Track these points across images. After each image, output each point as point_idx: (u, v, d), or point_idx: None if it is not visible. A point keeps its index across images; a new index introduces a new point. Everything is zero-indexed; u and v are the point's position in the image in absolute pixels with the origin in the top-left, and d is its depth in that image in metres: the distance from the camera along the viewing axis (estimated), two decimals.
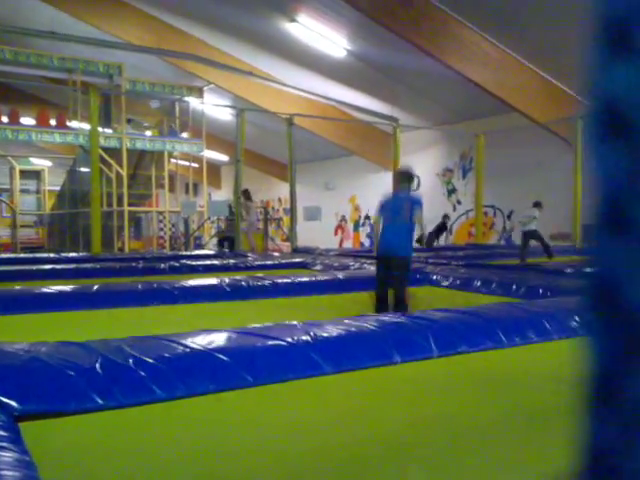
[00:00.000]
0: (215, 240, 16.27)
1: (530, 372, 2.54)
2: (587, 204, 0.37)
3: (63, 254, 8.75)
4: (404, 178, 5.03)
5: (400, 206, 4.74)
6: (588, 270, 0.33)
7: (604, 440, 0.34)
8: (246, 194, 11.13)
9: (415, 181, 5.01)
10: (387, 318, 2.96)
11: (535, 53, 10.87)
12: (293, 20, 11.85)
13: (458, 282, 5.46)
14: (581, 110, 11.78)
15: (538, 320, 3.08)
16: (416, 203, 4.87)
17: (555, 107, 11.67)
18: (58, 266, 6.43)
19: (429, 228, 11.00)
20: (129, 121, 15.57)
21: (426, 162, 16.43)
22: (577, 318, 3.17)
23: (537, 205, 9.46)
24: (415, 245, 5.87)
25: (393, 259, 4.64)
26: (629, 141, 0.35)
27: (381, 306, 4.43)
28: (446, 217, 13.40)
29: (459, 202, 15.62)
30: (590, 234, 0.34)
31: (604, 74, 0.38)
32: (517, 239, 13.53)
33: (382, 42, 11.44)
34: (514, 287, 4.88)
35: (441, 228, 12.81)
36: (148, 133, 16.13)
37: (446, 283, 5.56)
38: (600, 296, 0.31)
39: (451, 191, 15.87)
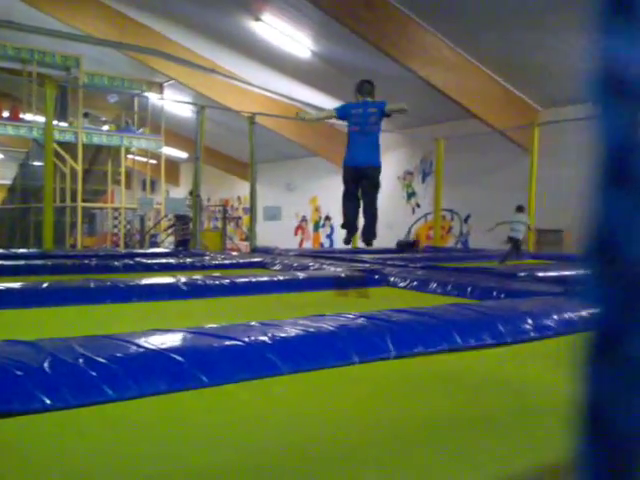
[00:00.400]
0: (172, 239, 16.07)
1: (483, 374, 2.56)
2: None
3: (12, 250, 8.49)
4: (369, 87, 5.05)
5: (369, 114, 4.72)
6: (589, 225, 0.34)
7: (601, 394, 0.35)
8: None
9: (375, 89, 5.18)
10: (345, 318, 2.95)
11: (494, 61, 11.07)
12: (258, 19, 11.79)
13: (415, 283, 5.50)
14: (537, 116, 12.06)
15: (492, 322, 3.12)
16: (382, 104, 4.90)
17: (513, 114, 11.92)
18: (7, 262, 6.25)
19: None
20: (86, 115, 15.24)
21: (387, 165, 16.54)
22: (529, 320, 3.23)
23: (521, 209, 9.63)
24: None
25: (369, 169, 4.63)
26: (628, 100, 0.36)
27: (351, 230, 4.65)
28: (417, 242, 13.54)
29: (418, 205, 15.79)
30: (591, 186, 0.35)
31: (606, 39, 0.38)
32: (473, 243, 13.75)
33: (346, 44, 11.48)
34: (469, 289, 4.95)
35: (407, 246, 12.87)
36: (105, 128, 15.83)
37: (404, 284, 5.60)
38: (600, 248, 0.32)
39: (411, 194, 16.04)
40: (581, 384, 0.37)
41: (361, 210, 4.74)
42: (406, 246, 12.35)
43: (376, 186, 4.71)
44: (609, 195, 0.33)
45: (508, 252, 9.00)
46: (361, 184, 4.58)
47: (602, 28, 0.38)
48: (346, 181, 4.76)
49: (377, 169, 4.72)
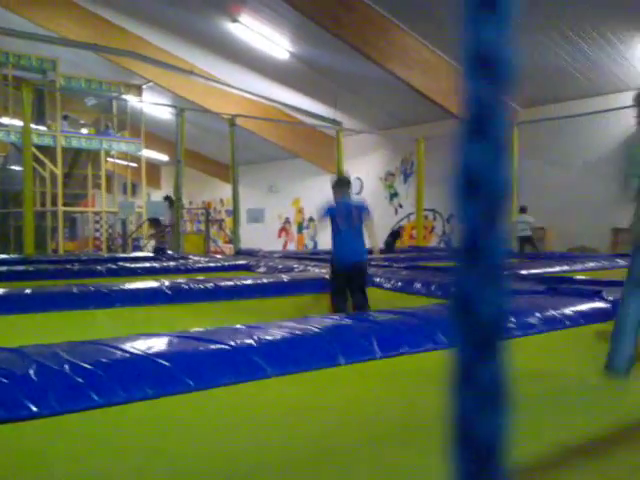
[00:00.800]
0: (152, 242, 15.98)
1: None
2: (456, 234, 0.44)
3: None
4: (344, 184, 5.08)
5: (350, 212, 4.81)
6: (452, 290, 0.43)
7: (464, 411, 0.45)
8: (170, 200, 10.94)
9: (352, 186, 5.25)
10: (331, 320, 2.96)
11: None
12: (235, 20, 11.77)
13: (400, 284, 5.52)
14: (516, 116, 12.16)
15: None
16: (364, 209, 4.96)
17: None
18: None
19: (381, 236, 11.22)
20: (65, 118, 15.09)
21: (369, 166, 16.61)
22: (512, 319, 3.26)
23: (524, 210, 9.99)
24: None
25: (359, 263, 4.77)
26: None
27: (342, 311, 4.43)
28: (401, 228, 13.63)
29: (401, 206, 15.85)
30: (453, 260, 0.43)
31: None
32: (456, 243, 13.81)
33: (325, 45, 11.50)
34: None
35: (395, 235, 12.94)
36: (84, 131, 15.68)
37: (388, 285, 5.63)
38: (460, 308, 0.42)
39: (393, 195, 16.10)
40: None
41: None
42: (392, 238, 12.34)
43: (366, 277, 4.92)
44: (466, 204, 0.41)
45: (521, 249, 9.41)
46: (353, 279, 4.70)
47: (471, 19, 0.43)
48: (338, 279, 4.79)
49: (365, 263, 4.94)
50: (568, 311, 3.47)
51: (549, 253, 10.16)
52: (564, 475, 1.55)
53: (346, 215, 4.77)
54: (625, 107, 10.43)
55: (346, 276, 4.74)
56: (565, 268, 6.86)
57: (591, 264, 7.37)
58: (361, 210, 4.92)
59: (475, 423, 0.43)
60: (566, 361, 2.77)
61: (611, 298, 3.88)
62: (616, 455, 1.67)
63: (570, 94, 11.50)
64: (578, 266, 7.13)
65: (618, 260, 7.95)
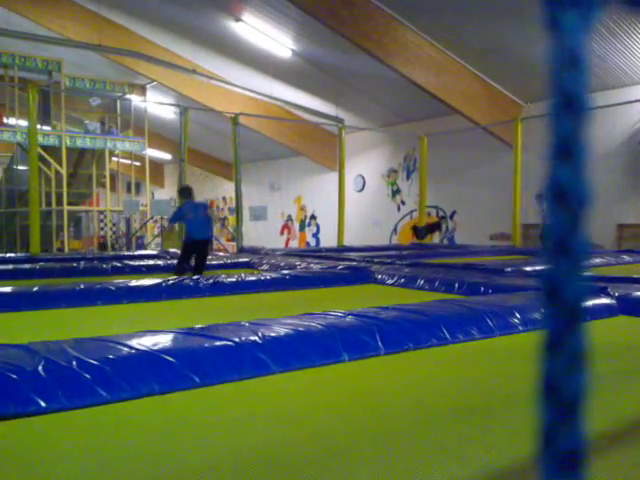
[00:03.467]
0: (158, 240, 16.01)
1: (475, 366, 2.60)
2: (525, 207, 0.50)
3: (0, 255, 8.45)
4: (189, 191, 8.04)
5: (198, 209, 7.66)
6: (543, 278, 0.54)
7: (551, 373, 0.54)
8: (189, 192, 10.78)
9: (193, 192, 8.32)
10: (334, 316, 2.98)
11: (476, 57, 11.14)
12: (238, 19, 11.79)
13: (403, 280, 5.55)
14: (520, 112, 12.16)
15: (480, 317, 3.16)
16: (206, 207, 8.11)
17: (496, 110, 12.00)
18: None
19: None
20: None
21: (371, 163, 16.61)
22: (517, 314, 3.27)
23: (540, 197, 9.86)
24: None
25: (205, 241, 7.44)
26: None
27: (186, 270, 7.03)
28: (442, 218, 13.41)
29: (403, 202, 15.85)
30: (545, 252, 0.54)
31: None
32: (459, 239, 13.85)
33: (327, 43, 11.51)
34: (456, 285, 4.99)
35: (433, 227, 12.82)
36: (93, 127, 15.68)
37: (391, 281, 5.65)
38: (550, 292, 0.54)
39: (395, 192, 16.09)
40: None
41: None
42: (427, 229, 12.28)
43: (209, 249, 7.86)
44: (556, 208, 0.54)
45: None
46: (199, 251, 7.33)
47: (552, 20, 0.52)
48: (188, 250, 7.34)
49: (210, 240, 7.83)
50: None
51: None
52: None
53: (195, 211, 7.45)
54: (631, 102, 10.44)
55: (195, 248, 7.26)
56: None
57: (596, 260, 7.36)
58: (204, 207, 7.89)
59: (561, 382, 0.53)
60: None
61: (617, 294, 3.89)
62: None
63: None
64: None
65: (623, 256, 7.94)
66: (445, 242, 14.07)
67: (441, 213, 13.64)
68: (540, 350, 0.55)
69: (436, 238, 14.39)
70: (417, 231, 12.16)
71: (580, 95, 0.53)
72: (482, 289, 4.78)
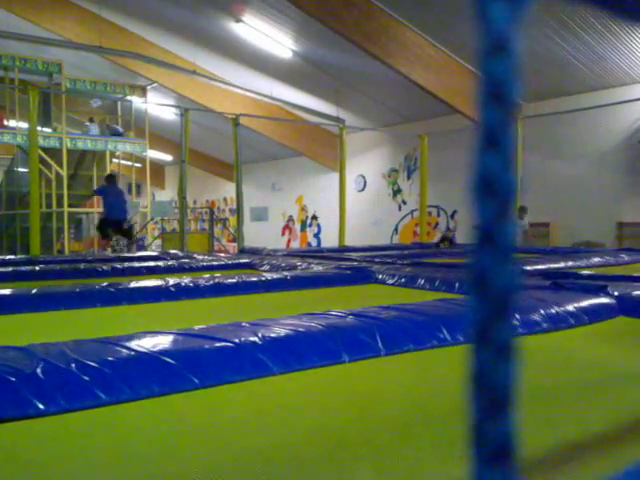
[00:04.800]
0: (156, 240, 16.00)
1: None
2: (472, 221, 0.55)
3: (0, 256, 8.45)
4: (113, 177, 10.53)
5: (118, 192, 10.23)
6: (470, 267, 0.55)
7: (480, 362, 0.54)
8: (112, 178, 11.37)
9: (117, 179, 10.84)
10: (335, 316, 2.97)
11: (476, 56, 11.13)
12: (239, 20, 11.79)
13: (403, 280, 5.54)
14: (520, 110, 12.14)
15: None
16: (123, 192, 10.40)
17: None
18: None
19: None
20: (91, 120, 15.33)
21: (372, 163, 16.62)
22: (516, 315, 3.27)
23: (524, 211, 9.99)
24: None
25: (122, 221, 10.12)
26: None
27: (108, 237, 9.85)
28: (449, 230, 13.23)
29: (404, 202, 15.86)
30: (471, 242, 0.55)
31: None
32: (461, 238, 13.83)
33: (328, 43, 11.51)
34: (457, 284, 4.99)
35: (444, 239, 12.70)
36: (94, 130, 15.71)
37: (392, 281, 5.64)
38: (477, 282, 0.54)
39: (396, 191, 16.10)
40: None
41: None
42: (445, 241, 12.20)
43: (129, 226, 10.40)
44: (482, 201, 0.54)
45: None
46: (117, 227, 10.05)
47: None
48: (107, 227, 10.22)
49: (123, 219, 10.42)
50: (573, 307, 3.48)
51: (554, 248, 10.15)
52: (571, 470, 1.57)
53: (114, 194, 10.09)
54: (631, 100, 10.44)
55: (110, 224, 10.04)
56: (570, 264, 6.84)
57: (596, 259, 7.35)
58: (122, 192, 10.31)
59: (490, 373, 0.53)
60: (571, 357, 2.77)
61: (616, 293, 3.87)
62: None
63: (575, 88, 11.47)
64: (583, 261, 7.11)
65: (623, 255, 7.93)
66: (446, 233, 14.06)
67: (445, 226, 13.56)
68: (469, 342, 0.55)
69: (437, 238, 14.38)
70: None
71: (508, 84, 0.52)
72: None
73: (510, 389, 0.54)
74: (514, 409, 0.54)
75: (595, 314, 3.54)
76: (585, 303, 3.59)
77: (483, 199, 0.54)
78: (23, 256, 9.15)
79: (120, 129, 16.09)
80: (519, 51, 0.52)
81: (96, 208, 17.83)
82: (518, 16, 0.52)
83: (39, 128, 11.21)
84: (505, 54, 0.52)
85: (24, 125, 13.04)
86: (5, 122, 14.71)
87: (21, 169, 15.35)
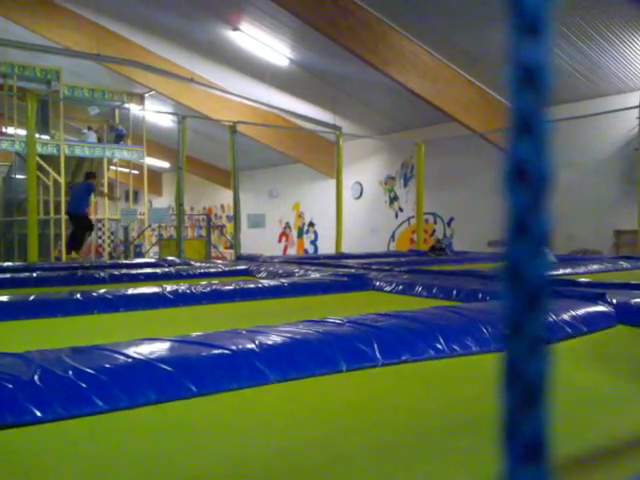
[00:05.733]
0: (155, 248, 15.99)
1: (471, 376, 2.59)
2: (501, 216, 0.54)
3: None
4: (89, 175, 10.65)
5: (84, 189, 10.46)
6: (504, 259, 0.53)
7: (513, 355, 0.54)
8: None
9: (94, 177, 10.90)
10: (333, 325, 2.97)
11: (472, 64, 11.19)
12: (236, 29, 11.83)
13: (401, 287, 5.55)
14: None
15: (475, 326, 3.14)
16: (91, 189, 10.74)
17: (492, 116, 12.05)
18: None
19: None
20: (89, 128, 15.39)
21: (369, 170, 16.65)
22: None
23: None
24: None
25: (80, 216, 10.26)
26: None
27: (78, 242, 10.10)
28: (438, 241, 13.03)
29: (401, 209, 15.88)
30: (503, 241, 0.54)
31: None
32: (457, 245, 13.85)
33: (324, 51, 11.55)
34: (454, 292, 4.99)
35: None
36: (92, 135, 15.72)
37: (389, 288, 5.65)
38: (510, 274, 0.53)
39: (393, 199, 16.12)
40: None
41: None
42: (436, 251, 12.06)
43: (87, 223, 10.68)
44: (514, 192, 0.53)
45: None
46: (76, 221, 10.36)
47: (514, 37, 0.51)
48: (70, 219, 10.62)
49: (85, 215, 10.76)
50: (570, 315, 3.47)
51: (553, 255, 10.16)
52: None
53: (80, 190, 10.43)
54: (627, 108, 10.48)
55: (73, 220, 10.34)
56: (568, 271, 6.85)
57: (594, 266, 7.36)
58: (89, 188, 10.54)
59: (523, 367, 0.52)
60: (571, 368, 2.76)
61: (615, 301, 3.86)
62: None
63: (571, 96, 11.52)
64: (581, 269, 7.12)
65: (621, 262, 7.94)
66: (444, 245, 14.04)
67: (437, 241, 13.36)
68: (502, 336, 0.54)
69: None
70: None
71: (541, 67, 0.51)
72: (480, 296, 4.77)
73: (543, 384, 0.52)
74: (548, 405, 0.52)
75: (593, 323, 3.52)
76: (583, 311, 3.56)
77: (516, 188, 0.52)
78: (21, 263, 9.14)
79: (124, 130, 16.11)
80: (552, 34, 0.51)
81: (94, 215, 17.84)
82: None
83: (37, 135, 11.22)
84: (538, 37, 0.50)
85: (22, 132, 13.04)
86: (3, 129, 14.72)
87: (19, 176, 15.35)
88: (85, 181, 10.63)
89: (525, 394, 0.52)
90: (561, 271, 6.79)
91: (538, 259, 0.52)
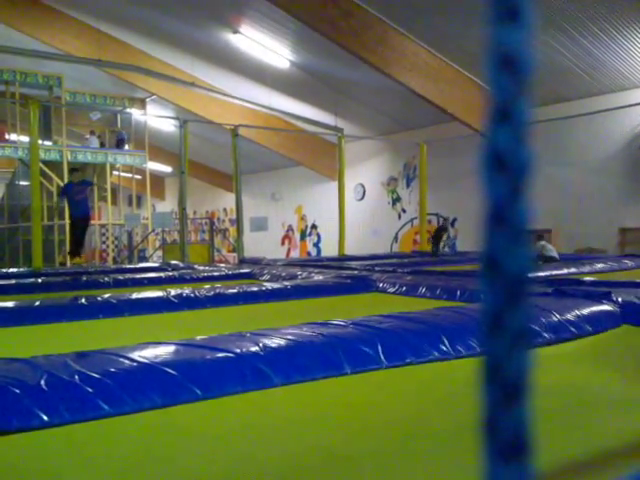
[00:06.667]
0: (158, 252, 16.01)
1: (475, 380, 2.58)
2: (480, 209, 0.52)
3: (3, 270, 8.47)
4: (75, 170, 10.35)
5: (84, 189, 9.87)
6: (483, 251, 0.51)
7: (494, 350, 0.52)
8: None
9: (80, 171, 10.73)
10: (337, 327, 2.98)
11: (474, 63, 11.18)
12: (236, 32, 11.85)
13: (404, 288, 5.54)
14: None
15: (480, 326, 3.12)
16: (90, 184, 10.57)
17: None
18: None
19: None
20: (92, 133, 15.46)
21: (371, 171, 16.65)
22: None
23: (541, 239, 9.83)
24: None
25: (88, 218, 10.10)
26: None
27: (78, 248, 9.93)
28: (444, 221, 12.81)
29: (404, 210, 15.86)
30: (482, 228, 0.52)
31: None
32: (461, 246, 13.84)
33: (325, 53, 11.56)
34: (458, 292, 4.98)
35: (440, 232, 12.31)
36: (95, 140, 15.78)
37: (392, 290, 5.65)
38: (489, 266, 0.51)
39: (396, 200, 16.11)
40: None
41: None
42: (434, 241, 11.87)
43: (88, 225, 10.53)
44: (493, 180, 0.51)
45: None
46: (82, 223, 10.00)
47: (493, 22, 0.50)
48: (75, 223, 9.98)
49: (90, 217, 10.39)
50: (575, 315, 3.44)
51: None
52: None
53: (80, 191, 9.72)
54: (631, 105, 10.46)
55: (79, 223, 9.87)
56: (572, 270, 6.83)
57: (599, 265, 7.33)
58: (88, 185, 10.31)
59: (503, 362, 0.50)
60: (577, 369, 2.75)
61: (620, 300, 3.84)
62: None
63: (574, 93, 11.49)
64: (586, 268, 7.09)
65: (626, 261, 7.91)
66: (447, 250, 14.05)
67: (442, 220, 13.38)
68: (481, 329, 0.52)
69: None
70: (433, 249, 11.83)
71: (520, 53, 0.50)
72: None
73: (525, 379, 0.50)
74: (529, 400, 0.51)
75: (598, 322, 3.49)
76: (588, 311, 3.53)
77: (494, 176, 0.50)
78: (26, 269, 9.17)
79: (123, 133, 16.15)
80: (531, 18, 0.49)
81: (96, 221, 17.88)
82: None
83: (40, 141, 11.26)
84: (517, 22, 0.49)
85: (25, 139, 13.09)
86: (6, 136, 14.77)
87: (22, 182, 15.40)
88: (81, 180, 10.17)
89: (506, 391, 0.50)
90: (566, 270, 6.77)
91: (518, 251, 0.50)
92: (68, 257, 10.34)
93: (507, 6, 0.49)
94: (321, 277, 6.41)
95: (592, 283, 4.98)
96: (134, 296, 4.74)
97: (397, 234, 15.92)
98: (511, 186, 0.50)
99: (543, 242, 9.75)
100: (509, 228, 0.50)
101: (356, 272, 6.98)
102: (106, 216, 17.34)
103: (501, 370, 0.51)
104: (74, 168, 10.79)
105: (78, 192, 9.79)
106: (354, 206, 16.16)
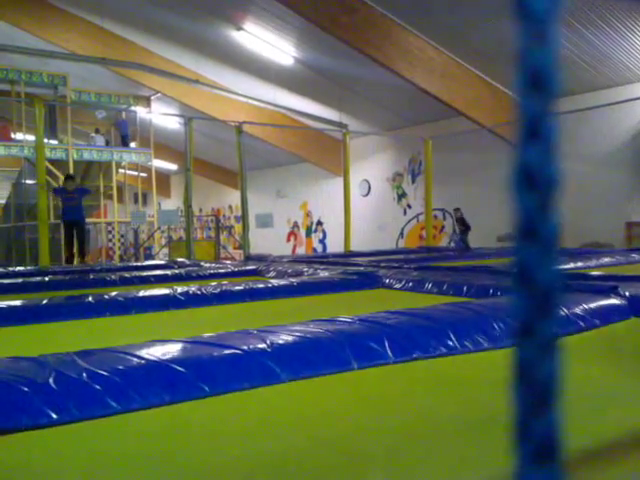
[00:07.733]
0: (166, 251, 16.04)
1: (483, 374, 2.59)
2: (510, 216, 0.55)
3: (10, 268, 8.51)
4: (69, 178, 10.40)
5: (78, 196, 10.00)
6: (514, 263, 0.54)
7: (524, 357, 0.55)
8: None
9: (75, 179, 11.02)
10: (343, 323, 2.98)
11: (479, 58, 11.14)
12: (240, 28, 11.85)
13: (411, 284, 5.53)
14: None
15: (487, 322, 3.13)
16: (86, 192, 10.85)
17: (500, 110, 12.00)
18: (5, 280, 6.26)
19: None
20: (97, 131, 15.52)
21: (376, 167, 16.63)
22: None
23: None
24: None
25: (79, 223, 10.13)
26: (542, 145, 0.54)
27: (71, 255, 10.15)
28: (457, 211, 12.68)
29: (409, 206, 15.85)
30: (513, 238, 0.54)
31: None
32: (471, 242, 13.82)
33: (329, 49, 11.54)
34: (465, 288, 4.97)
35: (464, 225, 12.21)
36: (100, 139, 15.81)
37: (399, 286, 5.64)
38: (521, 278, 0.54)
39: (401, 195, 16.09)
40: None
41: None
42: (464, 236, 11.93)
43: (85, 231, 10.65)
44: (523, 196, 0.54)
45: None
46: (75, 230, 10.14)
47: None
48: (67, 228, 10.14)
49: (85, 223, 10.64)
50: (583, 309, 3.44)
51: (562, 249, 10.12)
52: None
53: (74, 197, 9.89)
54: (637, 98, 10.40)
55: (71, 228, 10.11)
56: (579, 264, 6.80)
57: (605, 259, 7.30)
58: (84, 192, 10.61)
59: (534, 369, 0.53)
60: (584, 362, 2.74)
61: (628, 294, 3.83)
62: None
63: (579, 87, 11.44)
64: (592, 262, 7.07)
65: (633, 255, 7.88)
66: (452, 245, 14.05)
67: (459, 213, 13.19)
68: (513, 337, 0.55)
69: (443, 242, 14.36)
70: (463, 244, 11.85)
71: (548, 71, 0.52)
72: (491, 291, 4.75)
73: (555, 385, 0.53)
74: (559, 405, 0.53)
75: (606, 316, 3.49)
76: (595, 305, 3.53)
77: (524, 192, 0.53)
78: (32, 267, 9.20)
79: (126, 122, 16.15)
80: (558, 38, 0.52)
81: (103, 219, 17.92)
82: (556, 4, 0.52)
83: (45, 140, 11.28)
84: (545, 41, 0.51)
85: (31, 138, 13.13)
86: (12, 135, 14.82)
87: (29, 181, 15.45)
88: (76, 188, 10.43)
89: (537, 395, 0.53)
90: (572, 265, 6.75)
91: (548, 262, 0.53)
92: (78, 259, 10.51)
93: (537, 25, 0.51)
94: (327, 274, 6.40)
95: (599, 277, 4.96)
96: (141, 294, 4.75)
97: (403, 230, 15.90)
98: (540, 201, 0.53)
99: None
100: (539, 241, 0.53)
101: (362, 268, 6.98)
102: (112, 214, 17.38)
103: (532, 376, 0.53)
104: (69, 176, 10.68)
105: (71, 198, 9.99)
106: (359, 202, 16.15)
